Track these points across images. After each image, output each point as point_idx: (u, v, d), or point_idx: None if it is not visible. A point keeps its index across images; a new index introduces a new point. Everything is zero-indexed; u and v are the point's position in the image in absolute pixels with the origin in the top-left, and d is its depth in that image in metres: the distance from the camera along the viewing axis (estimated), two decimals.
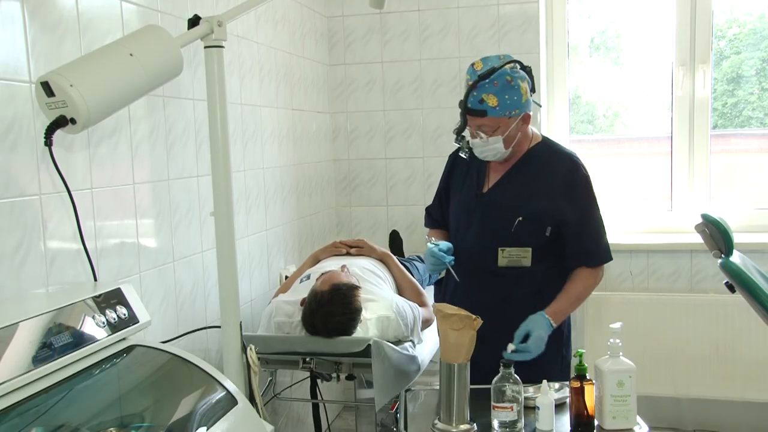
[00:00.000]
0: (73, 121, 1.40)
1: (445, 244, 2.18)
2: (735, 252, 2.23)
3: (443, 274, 2.27)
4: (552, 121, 3.62)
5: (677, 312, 3.29)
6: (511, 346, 1.98)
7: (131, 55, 1.50)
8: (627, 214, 3.60)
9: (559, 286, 2.17)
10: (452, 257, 2.16)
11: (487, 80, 2.03)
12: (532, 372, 1.93)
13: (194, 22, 1.73)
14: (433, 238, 2.21)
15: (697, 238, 2.33)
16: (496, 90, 2.03)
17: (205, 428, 1.36)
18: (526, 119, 2.12)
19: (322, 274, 2.38)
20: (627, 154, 3.79)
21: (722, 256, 2.21)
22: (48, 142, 1.44)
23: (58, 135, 1.46)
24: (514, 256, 2.14)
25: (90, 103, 1.40)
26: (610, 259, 2.21)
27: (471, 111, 2.05)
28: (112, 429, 1.29)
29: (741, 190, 3.57)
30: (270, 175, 2.94)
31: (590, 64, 3.72)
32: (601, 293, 3.38)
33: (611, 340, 1.76)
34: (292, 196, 3.17)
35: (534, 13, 3.44)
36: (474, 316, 1.75)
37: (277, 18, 3.03)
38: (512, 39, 3.47)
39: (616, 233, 3.56)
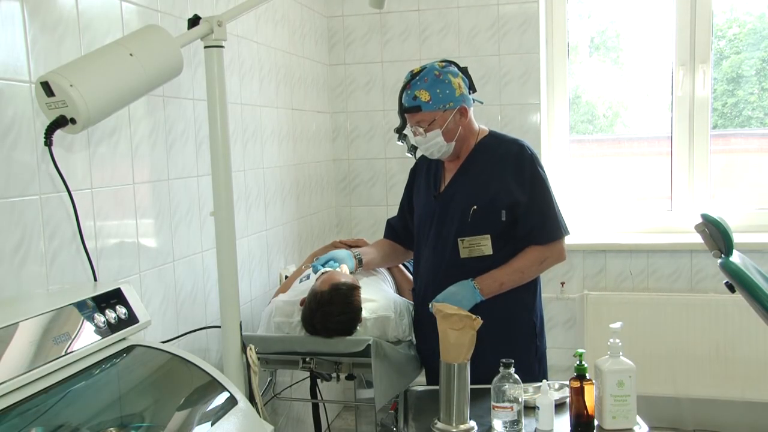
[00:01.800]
0: (73, 121, 1.40)
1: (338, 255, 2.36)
2: (735, 252, 2.23)
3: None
4: (552, 121, 3.62)
5: (677, 312, 3.29)
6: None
7: (131, 55, 1.50)
8: (627, 214, 3.60)
9: None
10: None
11: (417, 77, 2.14)
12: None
13: (194, 22, 1.73)
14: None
15: (697, 238, 2.33)
16: (427, 85, 2.13)
17: (205, 428, 1.36)
18: (464, 112, 2.18)
19: (322, 273, 2.38)
20: (627, 154, 3.79)
21: (722, 256, 2.21)
22: (48, 142, 1.44)
23: (58, 135, 1.47)
24: (475, 246, 2.19)
25: (90, 103, 1.40)
26: (562, 235, 2.21)
27: (406, 108, 2.15)
28: (112, 429, 1.29)
29: (741, 190, 3.57)
30: (270, 175, 2.94)
31: (590, 64, 3.72)
32: (601, 293, 3.39)
33: (611, 340, 1.76)
34: (292, 196, 3.17)
35: (534, 13, 3.44)
36: (474, 316, 1.75)
37: (277, 18, 3.03)
38: (512, 39, 3.47)
39: (616, 233, 3.57)
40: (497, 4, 3.48)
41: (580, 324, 3.43)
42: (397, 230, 2.52)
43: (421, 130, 2.15)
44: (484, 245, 2.19)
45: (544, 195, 2.20)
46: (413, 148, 2.24)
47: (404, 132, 2.22)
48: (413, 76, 2.15)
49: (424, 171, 2.39)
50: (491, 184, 2.19)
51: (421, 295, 2.31)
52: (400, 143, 2.25)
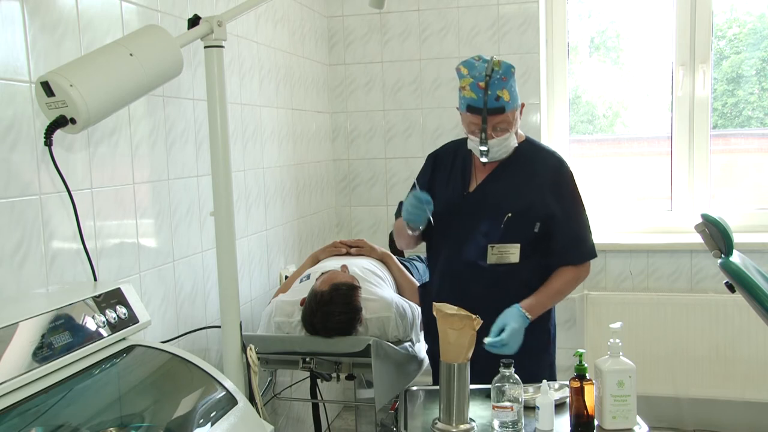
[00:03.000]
0: (73, 121, 1.41)
1: (426, 195, 2.14)
2: (735, 252, 2.23)
3: (418, 229, 2.21)
4: (552, 121, 3.62)
5: (677, 312, 3.28)
6: (487, 339, 2.00)
7: (131, 55, 1.50)
8: (627, 214, 3.60)
9: (543, 282, 2.20)
10: (431, 206, 2.12)
11: (496, 75, 2.03)
12: (518, 369, 1.91)
13: (194, 22, 1.73)
14: (418, 187, 2.17)
15: (697, 238, 2.33)
16: (506, 84, 2.04)
17: (205, 428, 1.36)
18: (522, 109, 2.15)
19: (322, 273, 2.38)
20: (627, 154, 3.79)
21: (722, 256, 2.21)
22: (48, 142, 1.44)
23: (58, 135, 1.47)
24: (503, 253, 2.16)
25: (90, 103, 1.40)
26: (594, 256, 2.23)
27: (491, 110, 2.03)
28: (112, 429, 1.29)
29: (741, 190, 3.57)
30: (270, 175, 2.94)
31: (590, 64, 3.72)
32: (601, 293, 3.39)
33: (611, 340, 1.76)
34: (292, 196, 3.17)
35: (534, 12, 3.44)
36: (474, 316, 1.75)
37: (277, 18, 3.03)
38: (512, 39, 3.47)
39: (616, 233, 3.56)
40: (497, 4, 3.48)
41: (580, 324, 3.43)
42: None
43: (500, 130, 2.07)
44: (512, 253, 2.15)
45: (581, 215, 2.20)
46: (486, 152, 2.09)
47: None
48: (489, 75, 2.02)
49: (449, 162, 2.30)
50: (528, 193, 2.15)
51: (437, 294, 2.21)
52: (482, 148, 2.07)
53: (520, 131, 2.24)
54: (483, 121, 2.04)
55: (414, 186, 2.18)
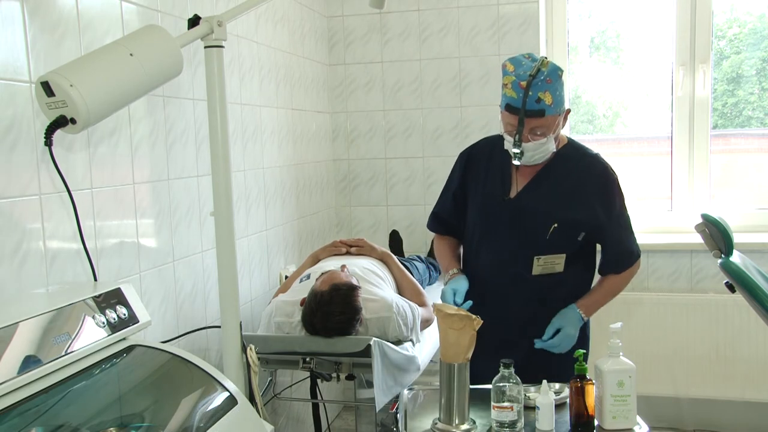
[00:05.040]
0: (73, 121, 1.41)
1: (462, 287, 2.10)
2: (735, 252, 2.23)
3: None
4: None
5: (677, 312, 3.28)
6: (539, 343, 2.06)
7: (131, 55, 1.50)
8: None
9: (588, 288, 2.20)
10: (470, 302, 2.04)
11: (540, 77, 1.90)
12: (554, 368, 1.98)
13: (194, 22, 1.73)
14: (450, 275, 2.17)
15: (697, 238, 2.33)
16: (551, 87, 1.91)
17: (205, 428, 1.36)
18: (567, 115, 2.04)
19: (322, 273, 2.38)
20: (627, 154, 3.79)
21: (722, 256, 2.22)
22: (48, 142, 1.44)
23: (58, 135, 1.47)
24: (549, 264, 2.08)
25: (90, 103, 1.40)
26: (639, 255, 2.21)
27: (529, 113, 1.91)
28: (112, 429, 1.29)
29: (741, 190, 3.57)
30: (270, 175, 2.94)
31: (590, 64, 3.72)
32: None
33: (611, 340, 1.76)
34: (292, 196, 3.17)
35: (534, 12, 3.44)
36: (474, 316, 1.75)
37: (277, 18, 3.03)
38: (512, 39, 3.47)
39: None
40: (497, 4, 3.48)
41: None
42: (452, 225, 2.28)
43: (537, 136, 1.96)
44: (557, 263, 2.08)
45: (627, 221, 2.16)
46: (519, 155, 1.98)
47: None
48: (533, 76, 1.89)
49: (484, 162, 2.17)
50: (574, 202, 2.06)
51: (481, 300, 2.09)
52: (515, 150, 1.97)
53: (562, 133, 2.13)
54: (519, 122, 1.92)
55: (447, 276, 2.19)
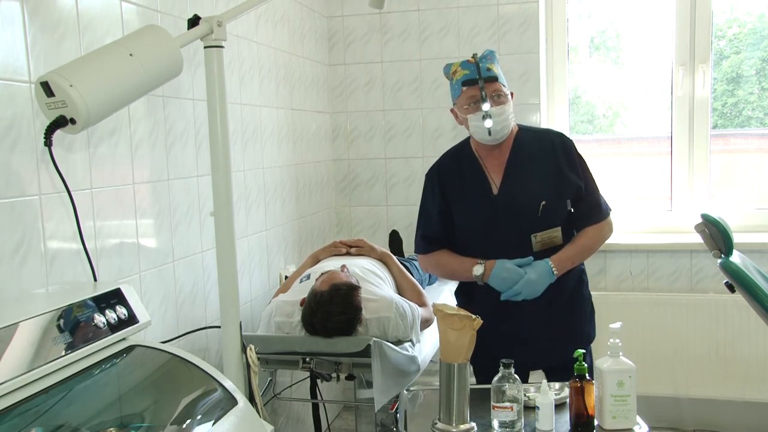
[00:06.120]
0: (72, 121, 1.41)
1: (510, 261, 2.17)
2: (735, 252, 2.23)
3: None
4: (552, 121, 3.62)
5: (677, 312, 3.28)
6: (503, 295, 2.14)
7: (131, 55, 1.50)
8: (627, 214, 3.59)
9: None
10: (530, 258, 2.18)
11: (482, 55, 2.15)
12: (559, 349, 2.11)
13: (194, 22, 1.73)
14: (483, 264, 2.18)
15: (697, 238, 2.33)
16: (493, 62, 2.16)
17: (205, 428, 1.36)
18: (512, 97, 2.20)
19: (322, 274, 2.38)
20: (627, 154, 3.79)
21: (722, 256, 2.22)
22: (48, 142, 1.44)
23: (58, 135, 1.47)
24: (547, 239, 2.18)
25: (90, 103, 1.40)
26: (611, 210, 2.30)
27: (486, 78, 2.11)
28: (112, 429, 1.29)
29: (741, 190, 3.57)
30: (270, 175, 2.94)
31: (590, 64, 3.72)
32: (601, 293, 3.38)
33: (611, 340, 1.76)
34: (292, 196, 3.17)
35: (534, 13, 3.44)
36: (474, 316, 1.75)
37: (277, 18, 3.03)
38: (512, 39, 3.47)
39: (616, 233, 3.52)
40: (497, 4, 3.48)
41: None
42: (445, 240, 2.31)
43: (499, 99, 2.13)
44: (555, 236, 2.19)
45: (591, 177, 2.27)
46: (487, 116, 2.11)
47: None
48: (475, 54, 2.16)
49: (455, 173, 2.29)
50: (551, 176, 2.19)
51: (488, 294, 2.20)
52: (485, 108, 2.10)
53: (513, 122, 2.25)
54: (481, 88, 2.10)
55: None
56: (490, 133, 2.13)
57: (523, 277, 2.12)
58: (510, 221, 2.19)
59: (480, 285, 2.21)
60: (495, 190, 2.22)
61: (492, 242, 2.21)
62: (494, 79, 2.13)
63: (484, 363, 2.14)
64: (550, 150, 2.23)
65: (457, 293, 2.44)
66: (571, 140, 2.27)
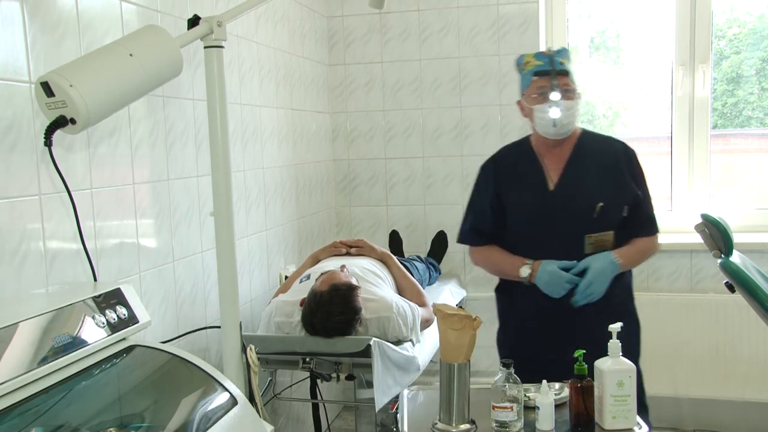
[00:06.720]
0: (72, 121, 1.41)
1: (558, 263, 2.12)
2: (735, 252, 2.23)
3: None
4: None
5: (677, 312, 3.28)
6: (578, 297, 2.07)
7: (131, 55, 1.50)
8: None
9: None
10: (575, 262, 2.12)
11: (557, 51, 2.16)
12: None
13: (194, 22, 1.73)
14: (530, 265, 2.14)
15: (697, 238, 2.33)
16: (568, 56, 2.17)
17: (205, 428, 1.36)
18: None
19: (322, 274, 2.38)
20: None
21: (722, 256, 2.21)
22: (48, 142, 1.45)
23: (58, 135, 1.47)
24: (599, 242, 2.15)
25: (90, 103, 1.40)
26: (658, 231, 2.28)
27: (559, 71, 2.12)
28: (112, 429, 1.29)
29: (741, 190, 3.57)
30: (270, 175, 2.94)
31: (590, 64, 3.72)
32: None
33: (611, 340, 1.76)
34: (292, 196, 3.17)
35: (534, 13, 3.44)
36: (474, 316, 1.75)
37: (277, 18, 3.04)
38: (512, 39, 3.47)
39: None
40: (497, 4, 3.48)
41: None
42: (492, 235, 2.28)
43: (568, 94, 2.12)
44: (608, 240, 2.16)
45: (648, 190, 2.25)
46: (554, 105, 2.11)
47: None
48: (550, 47, 2.18)
49: (512, 169, 2.26)
50: (611, 180, 2.18)
51: (532, 290, 2.15)
52: (552, 97, 2.10)
53: (578, 122, 2.24)
54: (552, 78, 2.10)
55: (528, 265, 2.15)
56: (554, 125, 2.11)
57: (590, 267, 2.08)
58: (564, 219, 2.16)
59: (527, 285, 2.16)
60: (551, 186, 2.19)
61: (543, 239, 2.18)
62: (566, 73, 2.13)
63: (522, 358, 2.01)
64: (613, 155, 2.22)
65: (499, 291, 2.38)
66: (633, 150, 2.25)
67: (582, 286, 2.08)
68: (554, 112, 2.10)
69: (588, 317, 2.10)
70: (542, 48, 3.50)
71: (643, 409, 2.12)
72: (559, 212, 2.17)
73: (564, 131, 2.15)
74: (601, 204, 2.13)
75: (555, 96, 2.09)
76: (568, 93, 2.12)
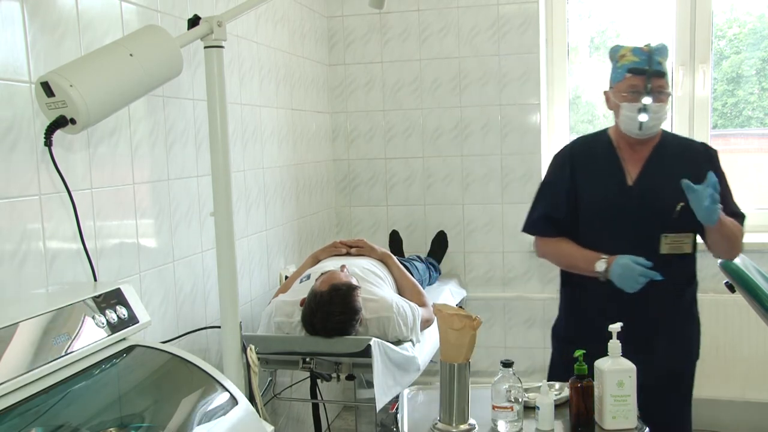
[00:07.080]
0: (72, 121, 1.41)
1: (632, 257, 2.02)
2: None
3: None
4: (552, 121, 3.62)
5: None
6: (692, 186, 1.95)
7: (131, 55, 1.50)
8: None
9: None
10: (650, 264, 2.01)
11: (656, 48, 2.07)
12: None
13: (194, 22, 1.73)
14: (606, 260, 2.05)
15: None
16: (666, 55, 2.08)
17: (205, 428, 1.36)
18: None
19: (322, 274, 2.38)
20: None
21: None
22: (48, 142, 1.45)
23: (58, 135, 1.47)
24: (677, 243, 2.09)
25: (90, 103, 1.40)
26: (745, 216, 2.22)
27: (656, 72, 2.04)
28: (112, 429, 1.29)
29: (741, 190, 3.56)
30: (270, 175, 2.94)
31: (590, 64, 3.72)
32: None
33: (611, 340, 1.76)
34: (292, 196, 3.17)
35: (534, 13, 3.44)
36: (474, 316, 1.75)
37: (277, 18, 3.04)
38: (512, 39, 3.47)
39: None
40: (497, 4, 3.48)
41: None
42: (564, 225, 2.20)
43: (660, 96, 2.05)
44: (686, 243, 2.10)
45: (730, 190, 2.18)
46: (644, 110, 2.04)
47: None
48: (647, 45, 2.07)
49: (589, 158, 2.20)
50: (693, 182, 2.01)
51: (600, 286, 2.08)
52: (645, 101, 2.03)
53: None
54: (647, 80, 2.03)
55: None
56: (641, 128, 2.06)
57: (697, 191, 1.93)
58: (642, 216, 2.10)
59: (601, 282, 2.07)
60: (630, 181, 2.13)
61: (617, 236, 2.10)
62: (662, 75, 2.06)
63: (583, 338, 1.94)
64: (695, 156, 2.16)
65: (566, 285, 2.31)
66: (715, 150, 2.20)
67: (699, 189, 1.93)
68: (643, 116, 2.04)
69: (656, 313, 2.10)
70: (542, 48, 3.50)
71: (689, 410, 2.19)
72: (636, 208, 2.11)
73: (649, 133, 2.10)
74: (681, 204, 2.04)
75: (647, 100, 2.03)
76: (661, 96, 2.05)
